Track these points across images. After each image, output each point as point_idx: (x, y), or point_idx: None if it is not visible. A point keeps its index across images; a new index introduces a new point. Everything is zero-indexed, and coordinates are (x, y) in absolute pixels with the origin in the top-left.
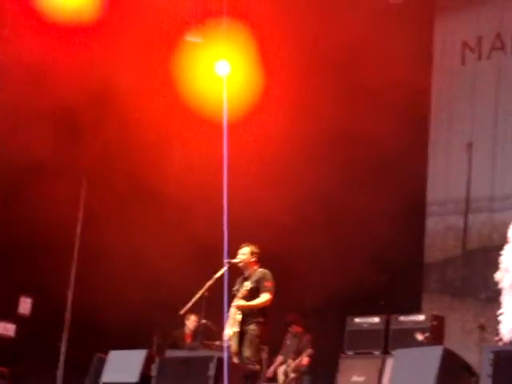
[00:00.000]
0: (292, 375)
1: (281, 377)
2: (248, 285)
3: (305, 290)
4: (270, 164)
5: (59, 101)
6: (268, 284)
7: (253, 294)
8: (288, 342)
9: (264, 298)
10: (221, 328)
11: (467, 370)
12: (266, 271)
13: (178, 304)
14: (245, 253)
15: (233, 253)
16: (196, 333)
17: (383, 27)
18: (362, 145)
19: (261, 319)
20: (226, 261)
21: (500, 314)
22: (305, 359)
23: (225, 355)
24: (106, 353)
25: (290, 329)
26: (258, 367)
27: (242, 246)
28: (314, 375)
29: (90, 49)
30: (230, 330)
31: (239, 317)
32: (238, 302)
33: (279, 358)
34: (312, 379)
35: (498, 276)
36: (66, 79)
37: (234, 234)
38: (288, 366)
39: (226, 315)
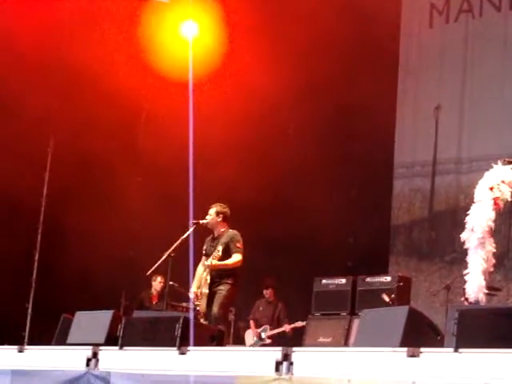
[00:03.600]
0: (268, 341)
1: (249, 340)
2: (220, 249)
3: (274, 251)
4: (236, 123)
5: (22, 60)
6: (238, 245)
7: (223, 255)
8: (261, 308)
9: (236, 258)
10: (187, 289)
11: (433, 329)
12: (235, 232)
13: (146, 265)
14: (211, 213)
15: (203, 212)
16: (162, 294)
17: None
18: (329, 106)
19: (230, 281)
20: (191, 222)
21: (466, 274)
22: (288, 327)
23: (191, 316)
24: (72, 314)
25: (266, 292)
26: (224, 328)
27: (211, 206)
28: (281, 337)
29: (56, 7)
30: (198, 290)
31: (208, 278)
32: (211, 261)
33: (252, 323)
34: (278, 340)
35: (463, 236)
36: (38, 41)
37: (202, 193)
38: (265, 331)
39: (191, 275)
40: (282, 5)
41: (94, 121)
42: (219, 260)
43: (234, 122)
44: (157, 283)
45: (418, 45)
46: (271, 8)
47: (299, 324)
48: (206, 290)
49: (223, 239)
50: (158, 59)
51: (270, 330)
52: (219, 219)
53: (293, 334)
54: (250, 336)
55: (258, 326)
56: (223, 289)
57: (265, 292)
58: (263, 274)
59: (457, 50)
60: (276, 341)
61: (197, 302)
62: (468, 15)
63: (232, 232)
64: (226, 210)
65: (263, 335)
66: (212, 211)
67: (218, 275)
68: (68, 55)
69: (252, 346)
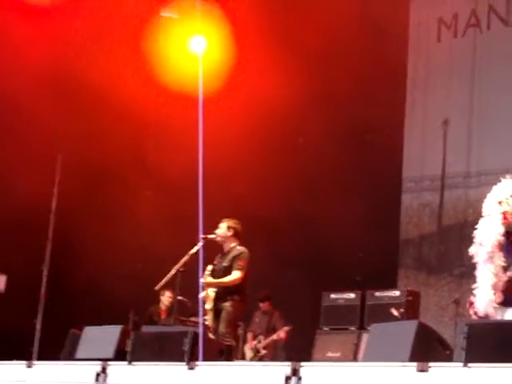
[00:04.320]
0: (263, 352)
1: (248, 353)
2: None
3: (283, 266)
4: (246, 138)
5: (31, 75)
6: (241, 263)
7: (226, 271)
8: (257, 320)
9: (234, 276)
10: (196, 304)
11: (442, 343)
12: (242, 250)
13: (155, 280)
14: (222, 227)
15: (212, 227)
16: (171, 309)
17: (359, 3)
18: (338, 121)
19: (236, 297)
20: (200, 236)
21: (475, 288)
22: (282, 334)
23: (200, 330)
24: (81, 329)
25: (262, 305)
26: (233, 343)
27: (222, 220)
28: (289, 351)
29: (64, 23)
30: (207, 305)
31: (212, 294)
32: (207, 279)
33: (250, 335)
34: (287, 355)
35: (472, 250)
36: (46, 56)
37: (211, 208)
38: (259, 343)
39: (200, 291)
40: (292, 18)
41: (103, 136)
42: (223, 275)
43: (244, 137)
44: (165, 298)
45: (426, 59)
46: (281, 21)
47: (285, 329)
48: (209, 306)
49: (230, 255)
50: (166, 74)
51: (264, 340)
52: (229, 234)
53: (286, 339)
54: (248, 349)
55: (254, 337)
56: (229, 305)
57: (261, 305)
58: (272, 288)
59: (465, 64)
60: (273, 350)
61: (205, 317)
62: (476, 29)
63: (240, 249)
64: (237, 225)
65: (259, 346)
66: (223, 225)
67: (224, 291)
68: (76, 71)
69: (251, 359)
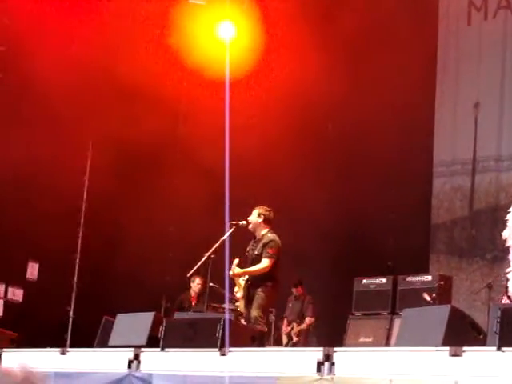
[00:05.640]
0: (295, 339)
1: (285, 339)
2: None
3: (313, 252)
4: (276, 123)
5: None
6: (270, 251)
7: (257, 260)
8: (290, 305)
9: (262, 264)
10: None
11: (475, 328)
12: (272, 237)
13: (186, 266)
14: (253, 214)
15: (242, 212)
16: (201, 295)
17: None
18: (367, 106)
19: (269, 283)
20: (229, 223)
21: (508, 272)
22: (305, 324)
23: (226, 316)
24: (113, 316)
25: (295, 290)
26: (265, 328)
27: (255, 208)
28: (321, 336)
29: (94, 13)
30: (238, 294)
31: (242, 282)
32: (234, 269)
33: (285, 321)
34: (318, 340)
35: (505, 234)
36: (73, 42)
37: (246, 194)
38: (292, 329)
39: (227, 280)
40: (322, 4)
41: (134, 122)
42: (255, 263)
43: (274, 122)
44: (195, 285)
45: (456, 42)
46: (310, 8)
47: (311, 320)
48: (239, 295)
49: (261, 243)
50: (195, 61)
51: (296, 326)
52: (260, 220)
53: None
54: (284, 335)
55: (289, 323)
56: (261, 291)
57: (294, 290)
58: (304, 273)
59: (495, 47)
60: (305, 337)
61: (237, 303)
62: (506, 11)
63: (270, 236)
64: (267, 212)
65: (292, 334)
66: (254, 212)
67: (256, 278)
68: (108, 59)
69: (286, 345)
